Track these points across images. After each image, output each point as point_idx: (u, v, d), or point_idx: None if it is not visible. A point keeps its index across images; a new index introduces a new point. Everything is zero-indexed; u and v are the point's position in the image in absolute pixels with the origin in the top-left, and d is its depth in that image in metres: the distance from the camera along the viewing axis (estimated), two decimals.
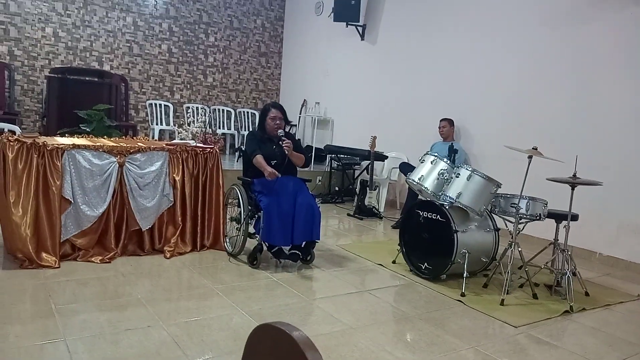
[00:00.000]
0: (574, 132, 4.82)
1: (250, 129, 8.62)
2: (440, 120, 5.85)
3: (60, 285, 3.12)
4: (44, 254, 3.40)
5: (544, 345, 2.78)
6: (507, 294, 3.37)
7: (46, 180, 3.44)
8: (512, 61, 5.44)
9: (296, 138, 4.22)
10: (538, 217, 3.56)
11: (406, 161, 6.14)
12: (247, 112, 8.99)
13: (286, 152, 3.78)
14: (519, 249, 3.54)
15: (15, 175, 3.35)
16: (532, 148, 3.50)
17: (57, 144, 3.52)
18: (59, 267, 3.38)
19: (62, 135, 4.15)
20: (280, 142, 3.81)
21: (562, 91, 4.98)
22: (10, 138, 3.42)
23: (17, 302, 2.83)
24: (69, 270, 3.36)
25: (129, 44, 7.98)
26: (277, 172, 3.65)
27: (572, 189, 3.50)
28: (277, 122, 3.90)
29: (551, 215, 3.69)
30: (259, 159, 3.76)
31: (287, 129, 4.05)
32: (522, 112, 5.31)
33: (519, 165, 3.63)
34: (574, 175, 3.46)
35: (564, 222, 3.58)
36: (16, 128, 4.31)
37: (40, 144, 3.43)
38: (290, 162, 3.88)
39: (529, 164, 3.45)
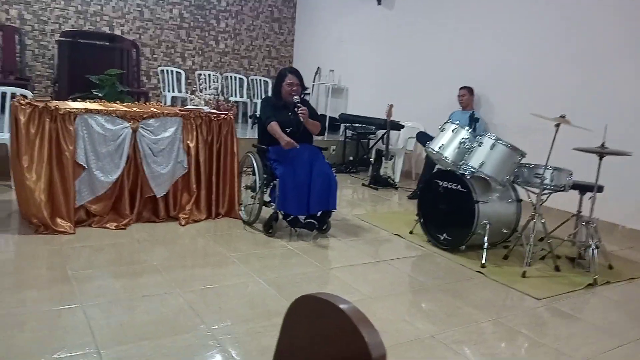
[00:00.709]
0: (600, 102, 4.62)
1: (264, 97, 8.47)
2: (460, 89, 5.66)
3: (75, 251, 3.09)
4: (59, 220, 3.38)
5: (566, 319, 2.71)
6: (529, 265, 3.29)
7: (59, 145, 3.38)
8: (535, 27, 5.20)
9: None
10: (562, 188, 3.45)
11: (423, 130, 5.99)
12: (260, 80, 8.82)
13: (301, 120, 3.67)
14: (542, 221, 3.44)
15: (28, 140, 3.30)
16: (560, 116, 3.36)
17: (70, 108, 3.44)
18: (74, 233, 3.36)
19: (75, 100, 4.07)
20: (295, 110, 3.70)
21: (586, 60, 4.76)
22: (22, 101, 3.35)
23: (33, 267, 2.82)
24: (84, 236, 3.34)
25: (139, 9, 7.79)
26: (294, 143, 3.55)
27: (600, 159, 3.37)
28: (294, 88, 3.78)
29: (576, 186, 3.57)
30: (274, 126, 3.65)
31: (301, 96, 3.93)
32: (545, 81, 5.11)
33: (540, 137, 3.49)
34: (602, 145, 3.32)
35: (588, 194, 3.47)
36: (28, 93, 4.23)
37: (52, 107, 3.35)
38: (305, 129, 3.77)
39: (555, 133, 3.31)
